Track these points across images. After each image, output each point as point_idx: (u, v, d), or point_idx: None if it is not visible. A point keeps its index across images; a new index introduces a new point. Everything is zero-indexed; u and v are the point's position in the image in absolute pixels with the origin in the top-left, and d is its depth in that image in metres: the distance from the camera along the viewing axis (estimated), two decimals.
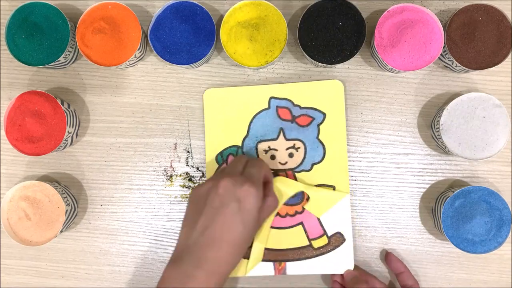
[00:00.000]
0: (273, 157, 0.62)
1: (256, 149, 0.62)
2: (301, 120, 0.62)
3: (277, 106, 0.62)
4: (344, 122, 0.62)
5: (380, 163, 0.63)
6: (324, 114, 0.62)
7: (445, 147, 0.59)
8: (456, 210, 0.58)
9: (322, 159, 0.62)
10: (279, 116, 0.62)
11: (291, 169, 0.62)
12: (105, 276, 0.65)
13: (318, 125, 0.62)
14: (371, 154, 0.63)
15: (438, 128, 0.59)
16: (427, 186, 0.63)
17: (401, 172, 0.63)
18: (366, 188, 0.63)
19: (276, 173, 0.62)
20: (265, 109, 0.63)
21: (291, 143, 0.62)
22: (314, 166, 0.62)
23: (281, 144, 0.62)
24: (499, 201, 0.58)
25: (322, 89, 0.62)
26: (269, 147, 0.62)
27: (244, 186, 0.51)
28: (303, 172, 0.62)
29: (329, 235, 0.61)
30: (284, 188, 0.60)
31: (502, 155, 0.62)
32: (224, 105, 0.63)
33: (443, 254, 0.63)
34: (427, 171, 0.63)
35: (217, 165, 0.63)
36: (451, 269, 0.63)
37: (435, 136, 0.61)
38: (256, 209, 0.51)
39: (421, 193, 0.63)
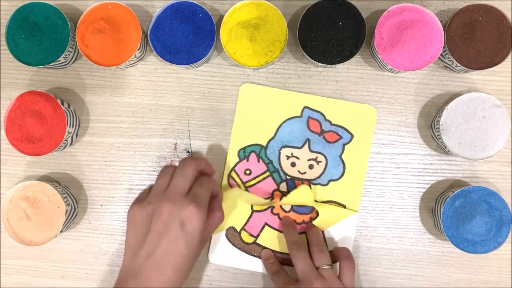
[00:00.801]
0: (293, 164, 0.62)
1: (279, 153, 0.63)
2: (329, 136, 0.62)
3: (309, 117, 0.62)
4: (369, 147, 0.62)
5: (380, 163, 0.63)
6: (352, 135, 0.62)
7: (445, 147, 0.59)
8: (456, 210, 0.58)
9: (340, 177, 0.62)
10: (308, 127, 0.62)
11: (308, 180, 0.62)
12: (105, 276, 0.65)
13: (344, 145, 0.62)
14: (371, 154, 0.63)
15: (438, 128, 0.59)
16: (427, 186, 0.63)
17: (401, 172, 0.63)
18: (366, 188, 0.63)
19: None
20: (297, 116, 0.63)
21: (314, 155, 0.62)
22: (331, 183, 0.62)
23: (304, 154, 0.62)
24: (499, 201, 0.58)
25: (355, 111, 0.62)
26: (292, 153, 0.62)
27: (188, 208, 0.51)
28: (319, 186, 0.62)
29: (329, 249, 0.60)
30: (256, 201, 0.60)
31: (502, 155, 0.62)
32: (257, 102, 0.63)
33: (443, 254, 0.63)
34: (427, 171, 0.63)
35: (238, 159, 0.63)
36: (451, 269, 0.63)
37: (435, 136, 0.61)
38: (200, 231, 0.51)
39: (421, 193, 0.63)
